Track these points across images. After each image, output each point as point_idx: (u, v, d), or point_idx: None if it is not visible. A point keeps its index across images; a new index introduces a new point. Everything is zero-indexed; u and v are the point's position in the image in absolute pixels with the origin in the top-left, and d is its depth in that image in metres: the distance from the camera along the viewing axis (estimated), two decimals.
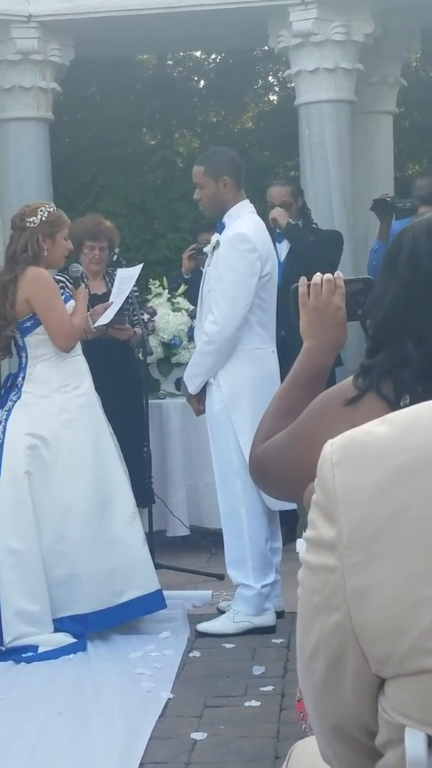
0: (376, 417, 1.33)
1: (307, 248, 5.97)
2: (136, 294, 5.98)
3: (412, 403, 1.62)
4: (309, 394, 2.06)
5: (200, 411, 4.86)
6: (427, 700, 1.23)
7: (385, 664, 1.25)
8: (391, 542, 1.24)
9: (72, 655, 4.37)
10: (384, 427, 1.29)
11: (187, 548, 6.12)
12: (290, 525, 5.54)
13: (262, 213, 4.97)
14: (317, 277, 2.21)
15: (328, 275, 2.21)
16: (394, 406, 1.78)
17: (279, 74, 9.85)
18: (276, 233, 6.05)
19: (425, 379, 1.79)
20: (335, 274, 2.22)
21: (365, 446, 1.29)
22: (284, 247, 6.14)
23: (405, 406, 1.61)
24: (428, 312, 1.79)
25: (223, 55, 9.87)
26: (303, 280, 2.21)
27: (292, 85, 7.60)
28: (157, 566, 4.95)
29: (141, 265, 5.57)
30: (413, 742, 1.24)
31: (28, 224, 4.77)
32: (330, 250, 5.96)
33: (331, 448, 1.31)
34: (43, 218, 4.78)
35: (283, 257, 6.05)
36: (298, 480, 1.90)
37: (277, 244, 5.97)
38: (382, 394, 1.83)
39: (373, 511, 1.25)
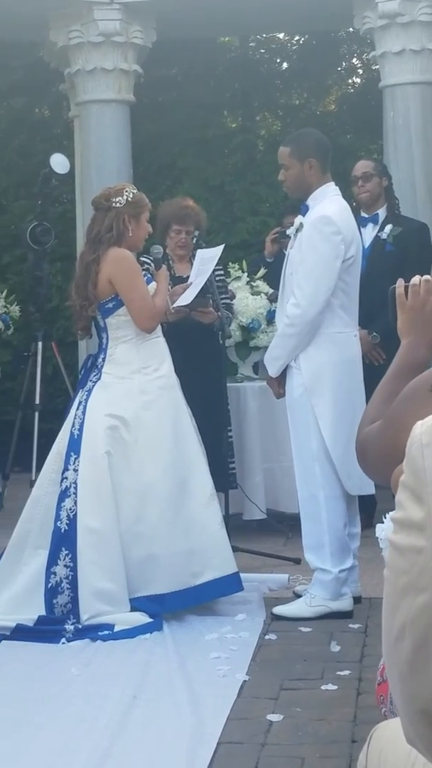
0: None
1: (386, 259, 5.93)
2: (221, 276, 5.97)
3: None
4: (407, 384, 2.18)
5: (281, 394, 4.84)
6: None
7: None
8: None
9: (148, 635, 4.39)
10: None
11: (264, 532, 6.13)
12: (368, 511, 5.51)
13: (345, 196, 4.93)
14: (416, 278, 2.37)
15: (426, 276, 2.38)
16: None
17: (363, 56, 9.74)
18: (361, 217, 6.01)
19: None
20: None
21: None
22: (368, 231, 6.10)
23: None
24: None
25: (306, 36, 9.80)
26: (400, 281, 2.39)
27: (377, 67, 7.52)
28: (234, 549, 4.95)
29: (222, 246, 5.55)
30: None
31: (114, 204, 4.80)
32: (413, 257, 5.91)
33: (420, 429, 1.33)
34: (129, 199, 4.81)
35: (367, 243, 6.00)
36: (391, 463, 1.94)
37: (362, 229, 5.93)
38: None
39: None
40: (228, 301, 6.16)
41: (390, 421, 2.10)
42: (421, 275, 2.40)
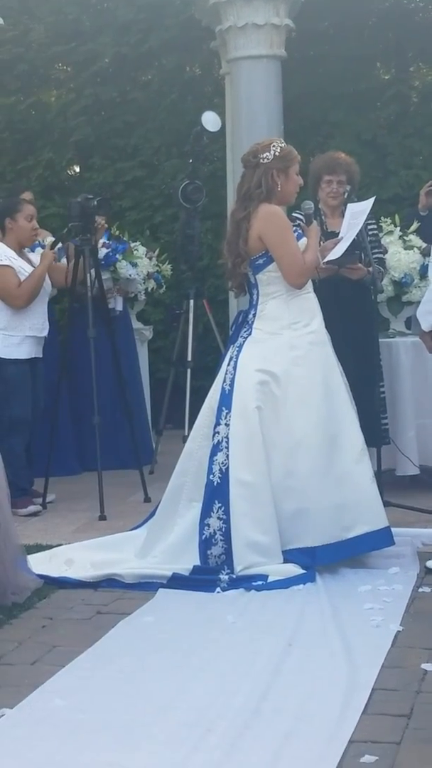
0: None
1: None
2: (373, 230, 5.88)
3: None
4: None
5: None
6: None
7: None
8: None
9: (301, 586, 4.43)
10: None
11: (417, 487, 6.09)
12: None
13: None
14: None
15: None
16: None
17: None
18: None
19: None
20: None
21: None
22: None
23: None
24: None
25: None
26: None
27: None
28: (386, 504, 4.93)
29: (373, 199, 5.47)
30: None
31: (261, 161, 4.80)
32: None
33: None
34: (276, 153, 4.80)
35: None
36: None
37: None
38: None
39: None
40: (381, 255, 6.08)
41: None
42: None
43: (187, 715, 3.11)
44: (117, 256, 7.32)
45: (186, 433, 5.97)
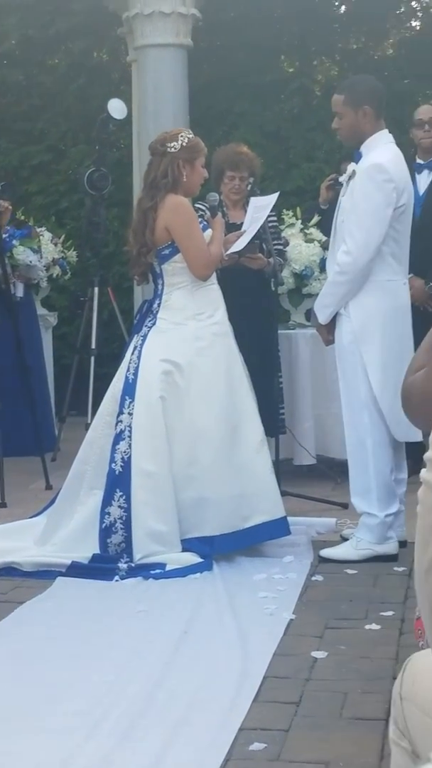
0: None
1: None
2: (274, 223, 5.99)
3: None
4: None
5: (330, 341, 4.88)
6: None
7: None
8: None
9: (198, 574, 4.51)
10: None
11: (313, 477, 6.21)
12: (416, 457, 5.54)
13: (401, 143, 4.92)
14: None
15: None
16: None
17: None
18: (416, 163, 5.99)
19: None
20: None
21: None
22: (424, 178, 6.08)
23: None
24: None
25: None
26: None
27: None
28: (283, 493, 5.04)
29: (276, 194, 5.56)
30: None
31: (168, 149, 4.84)
32: None
33: None
34: (184, 144, 4.84)
35: (422, 189, 5.98)
36: None
37: (417, 175, 5.91)
38: None
39: None
40: (281, 247, 6.18)
41: None
42: None
43: (81, 704, 3.16)
44: (14, 241, 7.28)
45: (89, 421, 6.00)
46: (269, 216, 5.58)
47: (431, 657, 1.47)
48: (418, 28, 9.98)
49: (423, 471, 1.41)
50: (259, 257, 5.65)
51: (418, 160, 6.07)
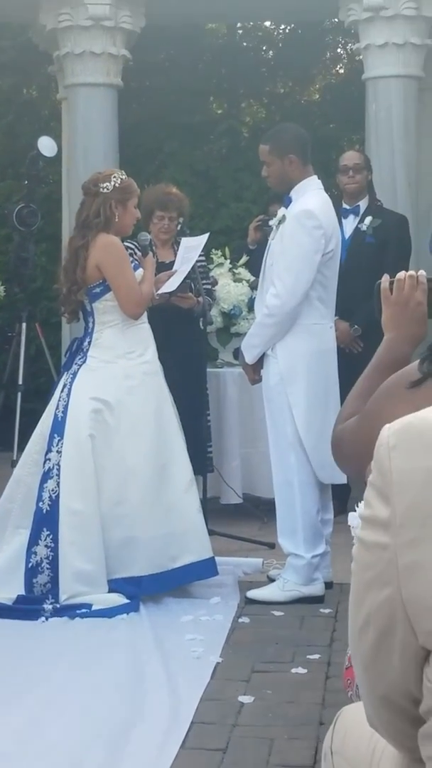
0: None
1: (365, 251, 6.01)
2: (202, 263, 6.04)
3: None
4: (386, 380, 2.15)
5: (255, 380, 4.93)
6: None
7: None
8: None
9: (125, 615, 4.48)
10: None
11: (240, 516, 6.21)
12: (342, 498, 5.61)
13: (327, 186, 5.00)
14: (401, 273, 2.34)
15: (411, 272, 2.34)
16: None
17: (348, 47, 9.79)
18: (342, 208, 6.09)
19: None
20: (418, 272, 2.34)
21: (421, 433, 1.36)
22: (349, 222, 6.17)
23: None
24: None
25: (292, 25, 9.83)
26: (386, 276, 2.35)
27: (360, 58, 7.58)
28: (210, 533, 5.04)
29: (207, 235, 5.62)
30: None
31: (101, 190, 4.86)
32: (392, 249, 5.99)
33: (388, 432, 1.39)
34: (116, 185, 4.87)
35: (348, 234, 6.08)
36: (365, 459, 1.97)
37: (342, 220, 6.01)
38: None
39: (426, 495, 1.33)
40: (209, 287, 6.22)
41: (366, 416, 2.11)
42: (404, 269, 2.39)
43: None
44: None
45: (15, 457, 5.95)
46: (198, 255, 5.63)
47: (361, 710, 1.48)
48: (343, 74, 10.17)
49: (358, 529, 1.42)
50: (189, 296, 5.69)
51: (344, 205, 6.16)
